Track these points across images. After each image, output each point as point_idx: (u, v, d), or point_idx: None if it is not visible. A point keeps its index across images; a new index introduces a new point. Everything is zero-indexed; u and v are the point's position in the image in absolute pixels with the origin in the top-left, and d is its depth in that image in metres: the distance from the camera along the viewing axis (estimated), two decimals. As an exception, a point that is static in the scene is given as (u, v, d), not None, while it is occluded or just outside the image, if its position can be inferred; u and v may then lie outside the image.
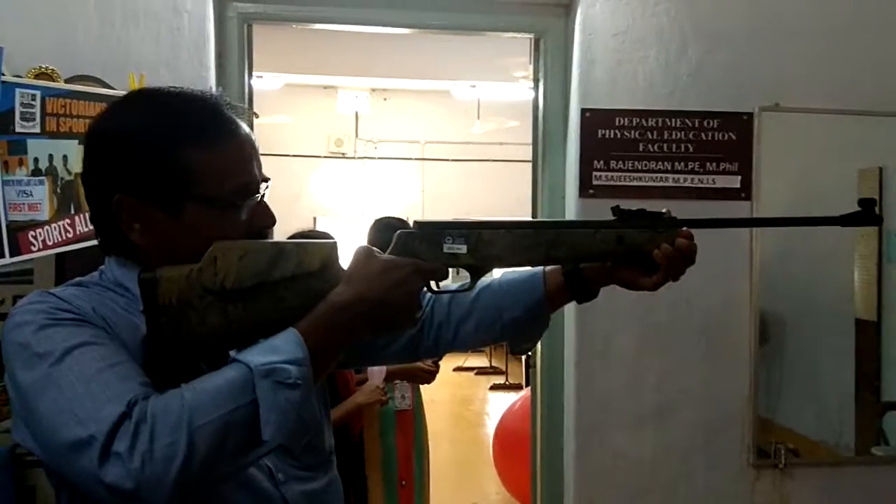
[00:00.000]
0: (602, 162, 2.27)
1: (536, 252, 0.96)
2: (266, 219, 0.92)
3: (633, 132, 2.28)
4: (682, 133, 2.30)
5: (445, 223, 0.96)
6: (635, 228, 0.98)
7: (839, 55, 2.35)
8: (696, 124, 2.30)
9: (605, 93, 2.28)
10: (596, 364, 2.24)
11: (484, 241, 0.95)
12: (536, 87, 2.44)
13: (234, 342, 0.84)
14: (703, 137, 2.30)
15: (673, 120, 2.30)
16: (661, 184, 2.29)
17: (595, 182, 2.27)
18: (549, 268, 1.06)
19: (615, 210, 1.01)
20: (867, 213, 1.02)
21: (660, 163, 2.29)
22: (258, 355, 0.74)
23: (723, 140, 2.31)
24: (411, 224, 1.00)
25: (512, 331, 1.09)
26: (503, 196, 7.17)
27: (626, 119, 2.28)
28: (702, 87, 2.30)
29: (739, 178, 2.31)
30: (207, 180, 0.85)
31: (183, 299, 0.81)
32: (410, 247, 0.92)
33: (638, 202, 2.27)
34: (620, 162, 2.28)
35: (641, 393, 2.26)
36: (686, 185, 2.30)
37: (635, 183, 2.28)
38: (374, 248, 0.89)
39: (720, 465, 2.28)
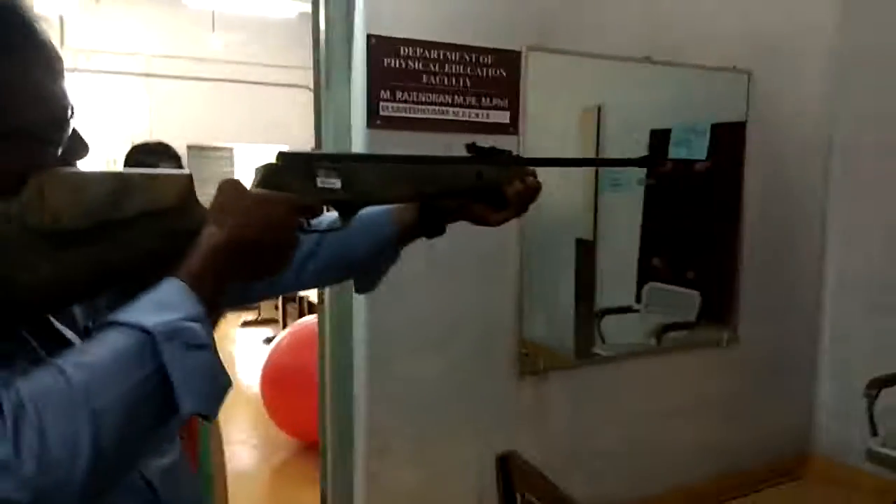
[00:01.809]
0: (388, 92, 2.26)
1: (407, 186, 0.94)
2: (81, 149, 0.75)
3: (416, 63, 2.30)
4: (461, 67, 2.37)
5: (315, 154, 0.89)
6: (493, 165, 1.00)
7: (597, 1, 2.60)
8: (473, 59, 2.39)
9: (391, 20, 2.25)
10: (385, 294, 2.28)
11: (357, 176, 0.89)
12: (316, 8, 2.31)
13: (71, 297, 0.70)
14: (479, 73, 2.41)
15: (453, 53, 2.35)
16: (442, 117, 2.35)
17: (382, 113, 2.25)
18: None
19: (471, 147, 1.02)
20: (653, 158, 1.18)
21: (441, 95, 2.34)
22: (147, 314, 0.62)
23: (495, 76, 2.44)
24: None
25: (361, 268, 1.06)
26: (249, 121, 6.77)
27: (410, 49, 2.28)
28: (478, 22, 2.39)
29: (509, 113, 2.48)
30: (20, 107, 0.67)
31: (2, 244, 0.64)
32: (280, 180, 0.83)
33: (424, 135, 2.33)
34: (405, 93, 2.28)
35: (427, 319, 2.37)
36: (463, 118, 2.39)
37: (419, 115, 2.31)
38: (241, 182, 0.79)
39: (494, 377, 2.52)
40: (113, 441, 0.56)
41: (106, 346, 0.60)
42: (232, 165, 8.00)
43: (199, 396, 0.61)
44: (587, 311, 3.24)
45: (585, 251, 3.29)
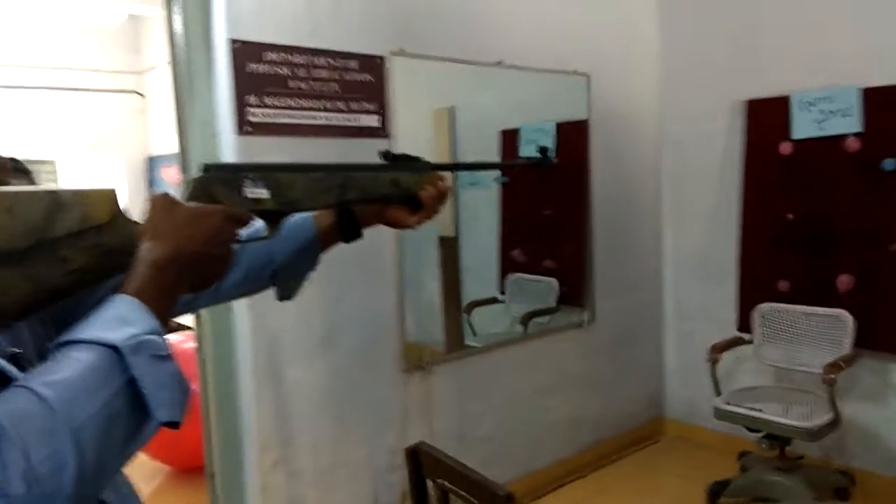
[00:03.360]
0: (256, 98, 2.22)
1: (331, 194, 0.96)
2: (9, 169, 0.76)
3: (283, 68, 2.27)
4: (328, 72, 2.38)
5: (241, 165, 0.89)
6: (407, 171, 1.05)
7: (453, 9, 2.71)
8: (340, 64, 2.41)
9: (252, 24, 2.21)
10: (267, 301, 2.23)
11: (284, 185, 0.91)
12: (170, 12, 2.21)
13: (6, 317, 0.68)
14: (346, 78, 2.43)
15: (319, 58, 2.36)
16: (312, 122, 2.35)
17: (251, 119, 2.20)
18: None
19: (385, 154, 1.06)
20: (545, 160, 1.27)
21: (310, 101, 2.34)
22: (108, 331, 0.62)
23: (363, 81, 2.47)
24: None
25: (282, 275, 1.07)
26: (74, 130, 6.23)
27: (275, 54, 2.25)
28: (341, 28, 2.41)
29: (377, 117, 2.52)
30: None
31: None
32: (209, 192, 0.83)
33: (296, 140, 2.33)
34: (274, 98, 2.25)
35: (311, 322, 2.36)
36: (335, 123, 2.40)
37: (290, 121, 2.29)
38: (172, 195, 0.79)
39: (381, 375, 2.55)
40: (93, 454, 0.58)
41: (73, 365, 0.60)
42: (56, 179, 7.31)
43: (170, 405, 0.63)
44: (455, 306, 3.36)
45: (448, 248, 3.42)
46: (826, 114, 3.06)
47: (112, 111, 6.53)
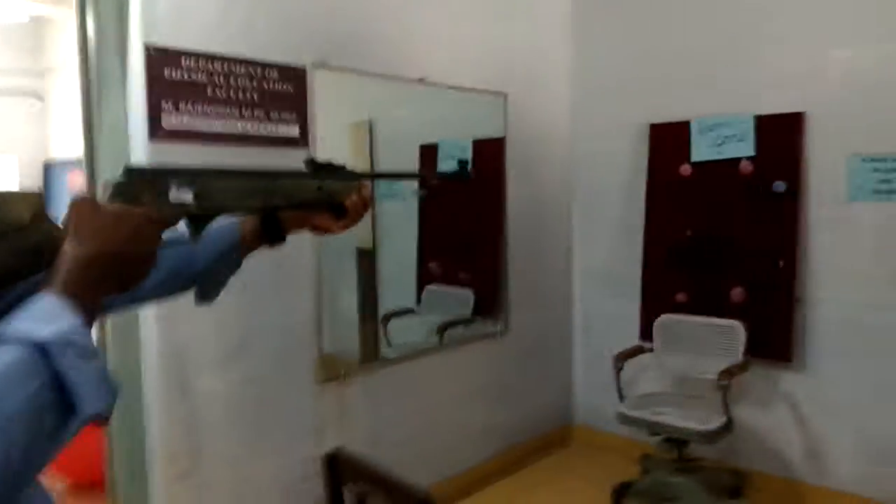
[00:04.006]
0: (171, 104, 2.18)
1: (256, 199, 0.98)
2: None
3: (200, 75, 2.25)
4: (248, 81, 2.37)
5: (166, 170, 0.89)
6: (332, 179, 1.08)
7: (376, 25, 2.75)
8: (260, 73, 2.40)
9: (169, 30, 2.18)
10: (176, 310, 2.19)
11: (209, 189, 0.91)
12: (83, 15, 2.15)
13: None
14: (266, 87, 2.43)
15: (238, 67, 2.34)
16: (232, 131, 2.33)
17: (165, 126, 2.17)
18: None
19: (309, 162, 1.08)
20: (463, 171, 1.33)
21: (228, 108, 2.32)
22: (34, 328, 0.63)
23: (283, 91, 2.48)
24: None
25: (204, 278, 1.07)
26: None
27: (193, 61, 2.23)
28: (263, 37, 2.41)
29: (298, 127, 2.53)
30: None
31: None
32: (132, 195, 0.84)
33: (213, 148, 2.30)
34: (190, 105, 2.23)
35: (222, 331, 2.32)
36: (253, 132, 2.39)
37: (206, 128, 2.26)
38: (94, 198, 0.79)
39: (295, 385, 2.54)
40: (18, 448, 0.59)
41: None
42: (-56, 184, 6.83)
43: (97, 400, 0.64)
44: (371, 317, 3.38)
45: (366, 259, 3.44)
46: (723, 138, 3.29)
47: (6, 113, 6.18)
